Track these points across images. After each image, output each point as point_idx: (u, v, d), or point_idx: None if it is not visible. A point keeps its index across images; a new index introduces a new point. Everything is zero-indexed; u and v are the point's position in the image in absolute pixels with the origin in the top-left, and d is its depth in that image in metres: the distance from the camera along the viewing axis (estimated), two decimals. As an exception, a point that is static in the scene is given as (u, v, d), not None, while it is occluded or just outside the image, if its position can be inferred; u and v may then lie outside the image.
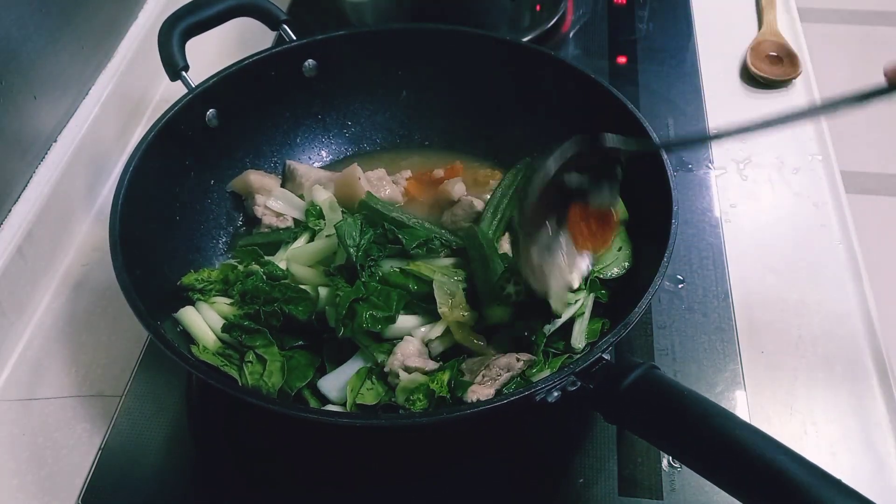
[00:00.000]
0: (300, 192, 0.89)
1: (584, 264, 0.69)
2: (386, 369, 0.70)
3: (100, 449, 0.74)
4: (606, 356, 0.63)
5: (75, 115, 0.95)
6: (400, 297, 0.73)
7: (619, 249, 0.80)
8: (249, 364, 0.72)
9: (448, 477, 0.72)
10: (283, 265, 0.80)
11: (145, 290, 0.69)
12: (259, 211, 0.87)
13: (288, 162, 0.94)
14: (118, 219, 0.71)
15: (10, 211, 0.84)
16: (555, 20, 1.16)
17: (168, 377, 0.79)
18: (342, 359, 0.73)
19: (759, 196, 0.96)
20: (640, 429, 0.62)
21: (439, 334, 0.73)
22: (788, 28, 1.17)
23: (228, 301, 0.77)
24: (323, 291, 0.74)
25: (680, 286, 0.86)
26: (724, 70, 1.12)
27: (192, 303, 0.77)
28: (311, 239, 0.83)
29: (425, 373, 0.69)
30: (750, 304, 0.84)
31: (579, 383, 0.63)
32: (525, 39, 1.12)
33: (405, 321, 0.73)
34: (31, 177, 0.87)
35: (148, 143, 0.77)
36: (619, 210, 0.74)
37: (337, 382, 0.71)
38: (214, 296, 0.77)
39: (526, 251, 0.67)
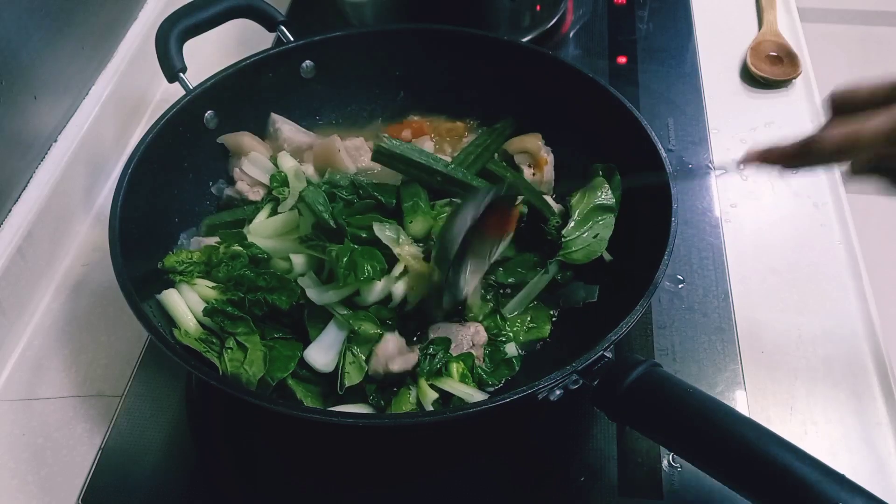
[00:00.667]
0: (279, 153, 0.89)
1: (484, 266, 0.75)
2: (370, 372, 0.71)
3: (100, 449, 0.74)
4: (608, 354, 0.63)
5: (75, 116, 0.95)
6: (383, 252, 0.74)
7: (596, 237, 0.80)
8: (230, 350, 0.71)
9: (448, 475, 0.72)
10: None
11: (145, 290, 0.69)
12: (237, 174, 0.87)
13: (273, 116, 0.92)
14: (118, 222, 0.71)
15: (10, 211, 0.84)
16: (555, 20, 1.16)
17: (168, 377, 0.79)
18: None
19: (759, 196, 0.96)
20: (644, 426, 0.63)
21: (398, 274, 0.74)
22: (788, 28, 1.17)
23: (211, 284, 0.76)
24: (297, 259, 0.75)
25: (680, 286, 0.86)
26: (724, 70, 1.12)
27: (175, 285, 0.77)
28: (274, 211, 0.83)
29: (412, 370, 0.71)
30: (750, 304, 0.84)
31: (581, 381, 0.63)
32: (525, 39, 1.12)
33: (380, 284, 0.74)
34: (31, 177, 0.87)
35: (146, 146, 0.77)
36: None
37: (320, 351, 0.71)
38: (196, 277, 0.77)
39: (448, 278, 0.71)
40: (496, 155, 0.90)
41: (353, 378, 0.70)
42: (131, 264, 0.69)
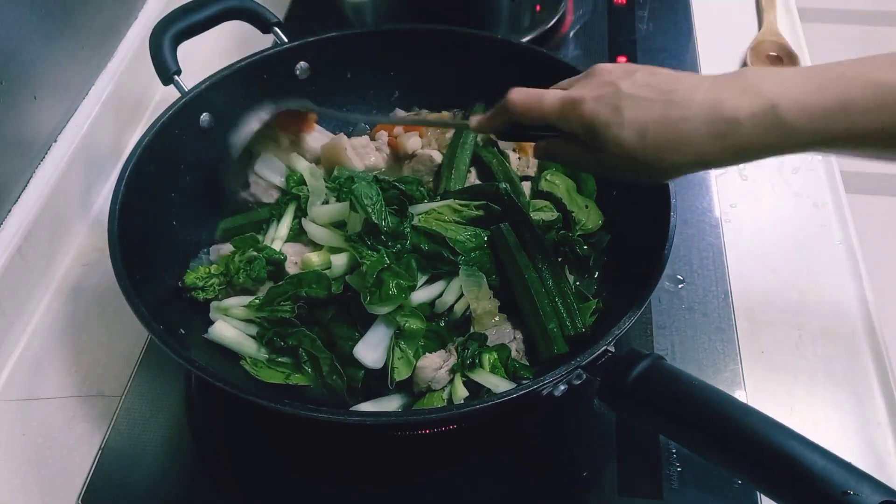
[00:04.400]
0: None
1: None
2: (416, 390, 0.71)
3: (100, 449, 0.74)
4: (611, 349, 0.63)
5: (75, 116, 0.95)
6: (418, 263, 0.73)
7: (587, 207, 0.85)
8: (307, 365, 0.73)
9: (448, 474, 0.72)
10: (276, 246, 0.80)
11: (145, 290, 0.69)
12: (251, 177, 0.87)
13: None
14: (116, 223, 0.71)
15: (9, 211, 0.84)
16: (555, 20, 1.16)
17: (168, 377, 0.79)
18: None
19: (759, 196, 0.96)
20: (651, 419, 0.63)
21: (453, 300, 0.74)
22: (788, 28, 1.16)
23: (242, 302, 0.76)
24: (337, 259, 0.75)
25: (680, 286, 0.86)
26: (724, 70, 1.11)
27: (194, 300, 0.77)
28: (299, 209, 0.84)
29: (450, 371, 0.71)
30: (750, 304, 0.84)
31: (585, 376, 0.63)
32: (525, 39, 1.12)
33: (421, 294, 0.74)
34: (31, 177, 0.87)
35: (143, 149, 0.77)
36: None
37: (369, 348, 0.71)
38: (218, 291, 0.78)
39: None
40: (479, 140, 0.91)
41: (402, 373, 0.70)
42: (130, 265, 0.69)
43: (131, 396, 0.78)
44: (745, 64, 1.11)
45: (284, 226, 0.83)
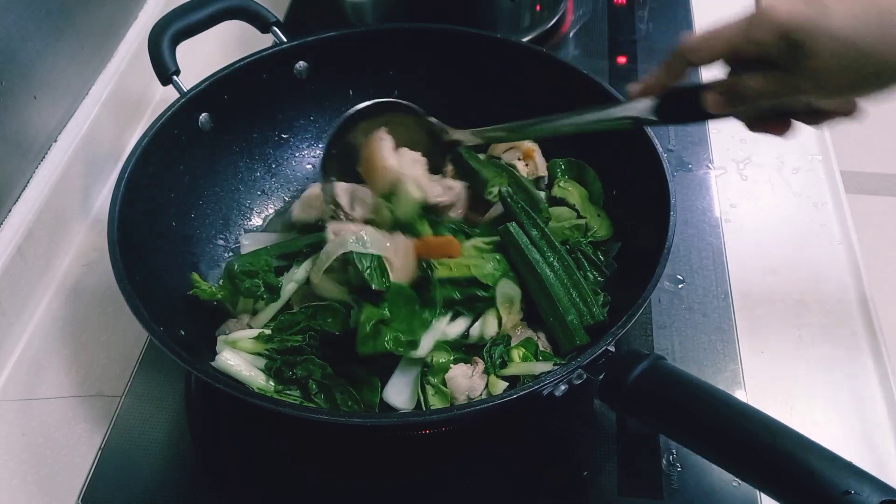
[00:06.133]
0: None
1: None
2: (456, 404, 0.71)
3: (100, 449, 0.74)
4: (612, 349, 0.63)
5: (75, 116, 0.95)
6: (422, 324, 0.72)
7: (599, 216, 0.85)
8: (318, 397, 0.72)
9: (447, 474, 0.72)
10: (289, 289, 0.78)
11: (145, 291, 0.69)
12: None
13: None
14: (116, 223, 0.71)
15: (10, 211, 0.84)
16: (555, 20, 1.16)
17: (168, 377, 0.79)
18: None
19: (759, 196, 0.96)
20: (651, 419, 0.63)
21: (494, 333, 0.75)
22: (788, 28, 1.16)
23: (252, 334, 0.74)
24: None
25: (680, 286, 0.86)
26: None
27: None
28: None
29: (483, 373, 0.72)
30: (750, 304, 0.84)
31: (586, 376, 0.63)
32: (525, 39, 1.12)
33: (454, 328, 0.74)
34: (31, 177, 0.87)
35: (142, 149, 0.77)
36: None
37: (397, 392, 0.71)
38: (234, 331, 0.76)
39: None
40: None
41: (439, 405, 0.71)
42: (130, 265, 0.69)
43: (131, 396, 0.78)
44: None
45: (303, 270, 0.79)
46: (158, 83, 0.85)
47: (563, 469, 0.72)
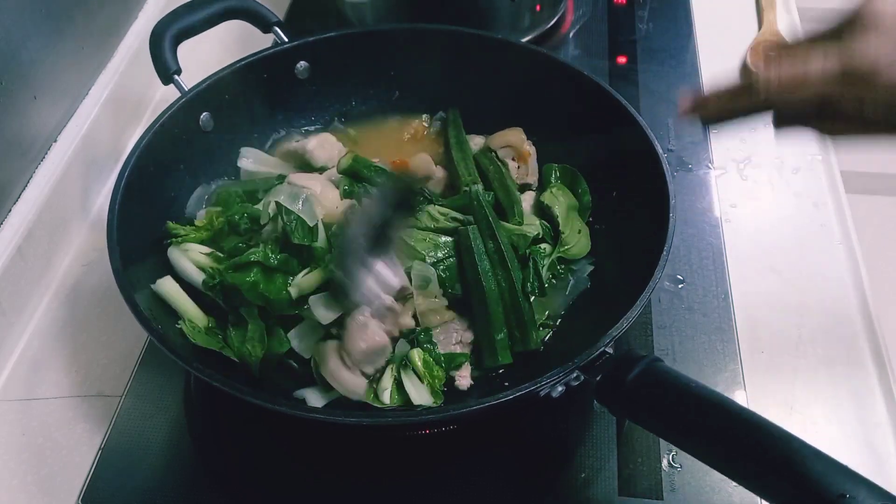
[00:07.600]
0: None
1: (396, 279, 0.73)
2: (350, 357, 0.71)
3: (100, 449, 0.74)
4: (609, 350, 0.63)
5: (75, 116, 0.95)
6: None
7: (580, 232, 0.84)
8: (233, 329, 0.73)
9: (446, 474, 0.72)
10: (292, 291, 0.76)
11: (144, 291, 0.69)
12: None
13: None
14: (115, 223, 0.71)
15: (10, 211, 0.84)
16: (555, 20, 1.16)
17: (168, 377, 0.79)
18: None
19: (759, 196, 0.96)
20: (648, 421, 0.63)
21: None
22: (788, 28, 1.16)
23: (205, 250, 0.77)
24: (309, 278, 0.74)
25: (680, 286, 0.86)
26: (724, 70, 1.12)
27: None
28: None
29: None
30: (750, 304, 0.84)
31: (583, 377, 0.63)
32: (525, 39, 1.12)
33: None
34: (31, 177, 0.87)
35: (142, 149, 0.77)
36: None
37: (301, 337, 0.74)
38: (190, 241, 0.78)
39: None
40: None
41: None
42: (129, 265, 0.69)
43: (131, 396, 0.78)
44: (744, 64, 1.11)
45: (311, 277, 0.75)
46: (158, 83, 0.85)
47: (563, 469, 0.72)
